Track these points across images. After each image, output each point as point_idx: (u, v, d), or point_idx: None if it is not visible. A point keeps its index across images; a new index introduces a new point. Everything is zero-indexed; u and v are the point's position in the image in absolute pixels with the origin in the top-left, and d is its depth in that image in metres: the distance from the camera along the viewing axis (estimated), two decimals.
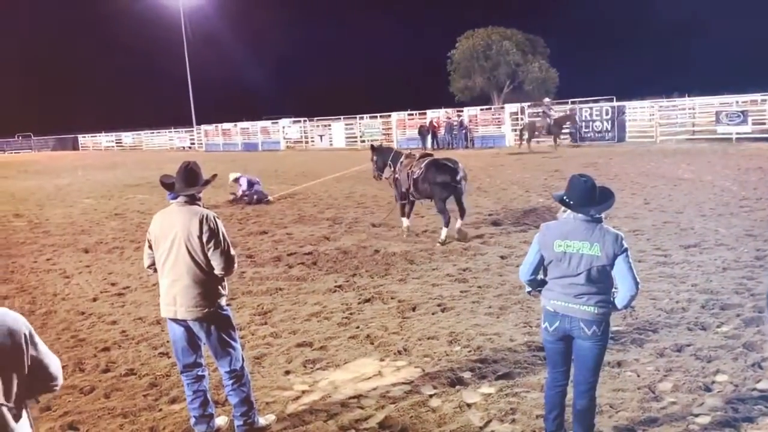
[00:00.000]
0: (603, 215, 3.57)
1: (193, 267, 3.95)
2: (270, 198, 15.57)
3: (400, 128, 37.05)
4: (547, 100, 29.37)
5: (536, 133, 27.48)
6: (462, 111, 36.35)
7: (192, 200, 4.06)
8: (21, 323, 2.13)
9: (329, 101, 67.89)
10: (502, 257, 8.64)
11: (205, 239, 3.92)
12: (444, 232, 9.70)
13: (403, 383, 4.85)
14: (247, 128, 45.24)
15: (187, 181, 4.07)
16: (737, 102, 28.64)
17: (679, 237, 9.17)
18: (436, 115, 35.50)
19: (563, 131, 28.13)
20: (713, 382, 4.56)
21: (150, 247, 4.13)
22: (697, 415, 4.11)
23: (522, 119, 32.06)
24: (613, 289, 3.54)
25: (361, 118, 40.01)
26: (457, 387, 4.72)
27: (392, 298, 7.02)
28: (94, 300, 7.75)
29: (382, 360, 5.34)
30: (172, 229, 3.97)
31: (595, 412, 3.78)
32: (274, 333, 6.15)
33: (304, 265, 8.80)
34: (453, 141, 33.25)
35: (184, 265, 3.95)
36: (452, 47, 60.44)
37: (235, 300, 7.18)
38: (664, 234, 9.42)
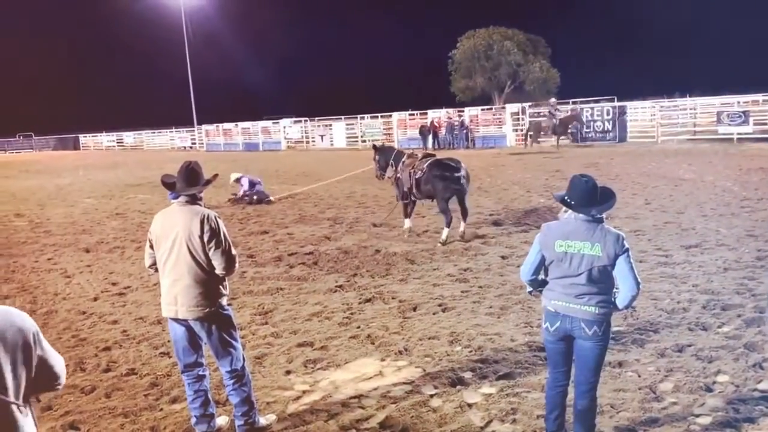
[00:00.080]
0: (604, 215, 3.57)
1: (194, 267, 3.95)
2: (271, 198, 15.57)
3: (401, 128, 37.05)
4: (552, 100, 29.33)
5: (542, 132, 27.43)
6: (463, 111, 36.36)
7: (193, 200, 4.06)
8: (29, 322, 2.14)
9: (330, 101, 68.01)
10: (503, 257, 8.63)
11: (206, 239, 3.92)
12: (445, 232, 9.70)
13: (404, 383, 4.85)
14: (248, 128, 45.26)
15: (188, 181, 4.07)
16: (739, 102, 28.64)
17: (681, 237, 9.16)
18: (437, 115, 35.49)
19: (569, 131, 28.06)
20: (714, 383, 4.55)
21: (151, 246, 4.13)
22: (698, 416, 4.11)
23: (523, 119, 32.07)
24: (614, 290, 3.54)
25: (362, 118, 40.02)
26: (458, 387, 4.72)
27: (393, 298, 7.02)
28: (95, 299, 7.75)
29: (382, 360, 5.34)
30: (173, 228, 3.97)
31: (596, 412, 3.78)
32: (275, 333, 6.16)
33: (305, 265, 8.81)
34: (454, 141, 33.25)
35: (185, 264, 3.95)
36: (453, 47, 60.51)
37: (236, 300, 7.19)
38: (665, 234, 9.41)
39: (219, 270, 3.99)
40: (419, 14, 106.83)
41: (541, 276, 3.71)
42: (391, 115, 38.03)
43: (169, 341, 5.21)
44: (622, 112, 28.29)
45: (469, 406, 4.42)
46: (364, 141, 37.46)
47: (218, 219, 4.03)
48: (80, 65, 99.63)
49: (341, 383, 4.93)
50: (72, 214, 15.50)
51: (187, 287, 3.95)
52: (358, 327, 6.18)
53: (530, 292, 3.88)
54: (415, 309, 6.61)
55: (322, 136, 40.83)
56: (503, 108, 35.99)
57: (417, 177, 9.92)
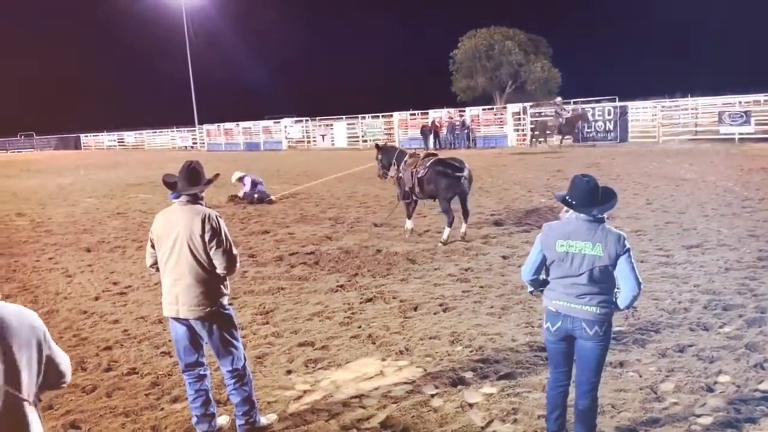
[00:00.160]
0: (605, 215, 3.57)
1: (195, 266, 3.95)
2: (272, 197, 15.57)
3: (402, 128, 37.06)
4: (558, 99, 29.19)
5: (548, 132, 27.35)
6: (464, 111, 36.35)
7: (194, 199, 4.06)
8: (39, 321, 2.17)
9: (331, 101, 67.95)
10: (504, 257, 8.63)
11: (207, 238, 3.92)
12: (447, 231, 9.69)
13: (405, 383, 4.85)
14: (249, 128, 45.30)
15: (189, 181, 4.08)
16: (740, 102, 28.57)
17: (682, 237, 9.16)
18: (438, 115, 35.50)
19: (575, 131, 27.96)
20: (715, 383, 4.55)
21: (152, 246, 4.13)
22: (699, 416, 4.10)
23: (524, 119, 32.06)
24: (616, 290, 3.53)
25: (363, 117, 40.02)
26: (459, 387, 4.72)
27: (394, 298, 7.02)
28: (96, 299, 7.76)
29: (383, 360, 5.34)
30: (174, 228, 3.98)
31: (597, 412, 3.77)
32: (276, 332, 6.16)
33: (306, 265, 8.81)
34: (455, 141, 33.25)
35: (186, 264, 3.95)
36: (455, 47, 60.48)
37: (237, 299, 7.19)
38: (667, 234, 9.41)
39: (220, 269, 3.99)
40: (420, 14, 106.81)
41: (543, 276, 3.71)
42: (392, 115, 38.04)
43: (170, 340, 5.21)
44: (624, 112, 28.28)
45: (470, 406, 4.42)
46: (365, 141, 37.49)
47: (219, 218, 4.04)
48: (81, 65, 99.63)
49: (342, 383, 4.93)
50: (73, 213, 15.52)
51: (189, 287, 3.95)
52: (359, 327, 6.18)
53: (531, 292, 3.87)
54: (416, 309, 6.61)
55: (323, 136, 40.85)
56: (504, 108, 36.01)
57: (419, 176, 9.91)
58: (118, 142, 58.89)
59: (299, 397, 4.73)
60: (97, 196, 19.24)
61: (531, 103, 35.05)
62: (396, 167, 10.52)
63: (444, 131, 33.71)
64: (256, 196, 15.35)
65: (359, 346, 5.67)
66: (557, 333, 3.62)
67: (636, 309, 5.97)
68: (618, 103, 30.28)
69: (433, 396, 4.60)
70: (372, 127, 38.80)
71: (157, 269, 4.16)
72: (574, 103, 35.77)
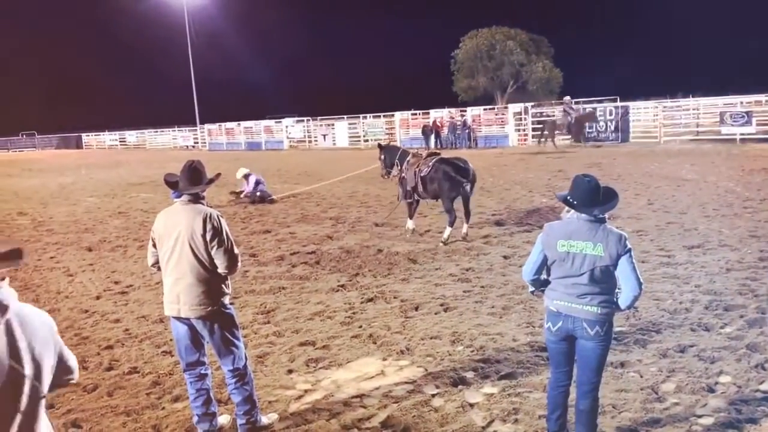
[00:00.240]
0: (606, 215, 3.57)
1: (196, 265, 3.95)
2: (273, 197, 15.58)
3: (403, 128, 37.06)
4: (567, 98, 29.05)
5: (556, 131, 27.25)
6: (465, 111, 36.33)
7: (196, 199, 4.07)
8: (51, 319, 2.21)
9: (333, 101, 68.01)
10: (505, 257, 8.63)
11: (208, 238, 3.93)
12: (448, 231, 9.69)
13: (406, 383, 4.85)
14: (251, 127, 45.31)
15: (191, 180, 4.08)
16: (742, 102, 28.56)
17: (683, 238, 9.15)
18: (440, 115, 35.50)
19: (584, 130, 27.82)
20: (716, 383, 4.55)
21: (154, 245, 4.14)
22: (700, 416, 4.10)
23: (525, 119, 32.04)
24: (617, 290, 3.53)
25: (365, 117, 40.03)
26: (460, 387, 4.72)
27: (395, 298, 7.02)
28: (98, 298, 7.77)
29: (384, 359, 5.34)
30: (175, 227, 3.98)
31: (598, 412, 3.77)
32: (277, 332, 6.16)
33: (307, 265, 8.81)
34: (456, 141, 33.24)
35: (187, 263, 3.96)
36: (456, 47, 60.49)
37: (239, 299, 7.19)
38: (668, 234, 9.40)
39: (221, 269, 4.00)
40: (422, 14, 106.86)
41: (544, 276, 3.71)
42: (393, 115, 38.04)
43: (171, 340, 5.21)
44: (625, 112, 28.25)
45: (471, 405, 4.42)
46: (367, 141, 37.49)
47: (221, 218, 4.04)
48: (83, 64, 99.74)
49: (343, 382, 4.93)
50: (74, 212, 15.53)
51: (190, 286, 3.96)
52: (360, 326, 6.18)
53: (532, 292, 3.87)
54: (417, 309, 6.62)
55: (324, 136, 40.85)
56: (506, 108, 35.98)
57: (423, 175, 9.89)
58: (120, 141, 58.92)
59: (300, 397, 4.73)
60: (98, 195, 19.26)
61: (532, 103, 35.07)
62: (399, 167, 10.52)
63: (445, 131, 33.71)
64: (258, 194, 15.36)
65: (360, 346, 5.68)
66: (558, 333, 3.62)
67: (637, 309, 5.97)
68: (620, 104, 30.28)
69: (434, 396, 4.60)
70: (373, 126, 38.80)
71: (159, 268, 4.16)
72: (576, 103, 35.77)
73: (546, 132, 27.19)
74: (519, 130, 32.43)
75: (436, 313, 6.43)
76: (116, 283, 8.46)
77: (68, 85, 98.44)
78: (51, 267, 9.60)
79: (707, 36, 70.66)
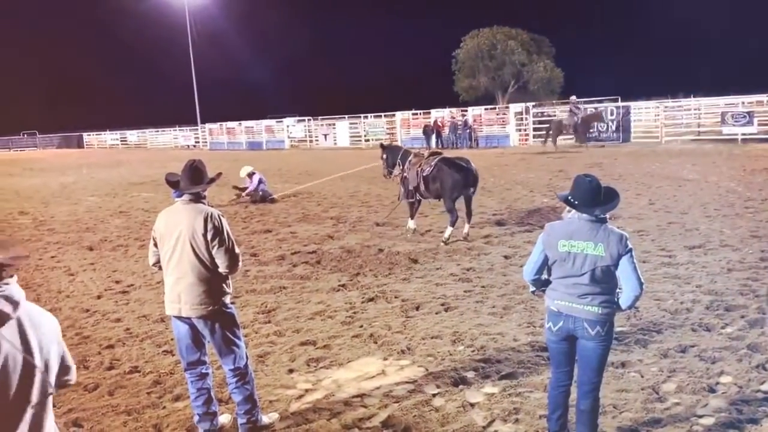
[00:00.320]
0: (608, 215, 3.57)
1: (197, 265, 3.96)
2: (274, 196, 15.59)
3: (404, 128, 37.06)
4: (573, 98, 28.94)
5: (563, 131, 27.15)
6: (466, 110, 36.32)
7: (197, 198, 4.07)
8: (56, 320, 2.24)
9: (334, 100, 68.00)
10: (506, 257, 8.63)
11: (209, 237, 3.93)
12: (449, 231, 9.69)
13: (407, 382, 4.85)
14: (252, 127, 45.33)
15: (192, 180, 4.09)
16: (743, 103, 28.56)
17: (684, 238, 9.14)
18: (441, 115, 35.49)
19: (590, 130, 27.71)
20: (717, 384, 4.55)
21: (155, 244, 4.14)
22: (701, 417, 4.10)
23: (526, 119, 32.02)
24: (618, 290, 3.53)
25: (366, 117, 40.02)
26: (461, 386, 4.72)
27: (396, 298, 7.03)
28: (99, 297, 7.77)
29: (385, 359, 5.34)
30: (176, 227, 3.98)
31: (599, 412, 3.77)
32: (278, 331, 6.16)
33: (308, 264, 8.81)
34: (457, 140, 33.24)
35: (188, 263, 3.96)
36: (457, 46, 60.49)
37: (239, 298, 7.20)
38: (669, 235, 9.40)
39: (222, 268, 4.00)
40: (423, 13, 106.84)
41: (544, 276, 3.71)
42: (394, 115, 38.04)
43: (172, 339, 5.22)
44: (627, 112, 28.23)
45: (472, 405, 4.42)
46: (368, 140, 37.51)
47: (222, 217, 4.04)
48: (84, 64, 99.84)
49: (344, 382, 4.93)
50: (76, 212, 15.54)
51: (191, 285, 3.96)
52: (361, 326, 6.18)
53: (533, 292, 3.87)
54: (417, 308, 6.61)
55: (325, 135, 40.87)
56: (507, 108, 35.95)
57: (425, 175, 9.89)
58: (121, 140, 58.97)
59: (301, 396, 4.74)
60: (99, 194, 19.28)
61: (533, 103, 35.02)
62: (401, 167, 10.52)
63: (446, 131, 33.71)
64: (260, 193, 15.37)
65: (361, 346, 5.68)
66: (559, 333, 3.62)
67: (638, 309, 5.97)
68: (621, 103, 30.26)
69: (434, 395, 4.60)
70: (374, 126, 38.79)
71: (160, 268, 4.17)
72: (570, 103, 35.73)
73: (551, 132, 27.07)
74: (520, 130, 32.42)
75: (437, 313, 6.43)
76: (117, 282, 8.46)
77: (69, 85, 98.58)
78: (52, 266, 9.61)
79: (708, 36, 70.64)
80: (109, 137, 61.01)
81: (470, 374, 4.92)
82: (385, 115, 39.27)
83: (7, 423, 1.89)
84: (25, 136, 67.32)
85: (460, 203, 9.88)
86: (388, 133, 37.01)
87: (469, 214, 9.95)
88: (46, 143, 65.76)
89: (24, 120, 71.16)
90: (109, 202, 17.33)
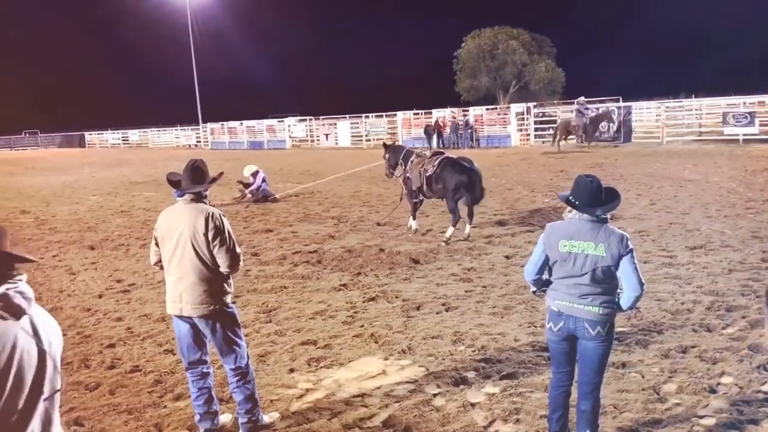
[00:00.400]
0: (608, 216, 3.57)
1: (198, 264, 3.96)
2: (276, 196, 15.60)
3: (405, 127, 37.03)
4: (582, 98, 28.84)
5: (571, 132, 27.04)
6: (467, 110, 36.30)
7: (198, 198, 4.08)
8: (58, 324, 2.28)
9: (335, 100, 68.04)
10: (507, 257, 8.63)
11: (210, 237, 3.94)
12: (450, 231, 9.69)
13: (407, 382, 4.85)
14: (253, 126, 45.32)
15: (193, 179, 4.09)
16: (744, 103, 28.48)
17: (685, 238, 9.14)
18: (442, 115, 35.46)
19: (598, 130, 27.61)
20: (718, 384, 4.55)
21: (156, 244, 4.15)
22: (701, 417, 4.10)
23: (527, 119, 31.99)
24: (618, 290, 3.53)
25: (367, 117, 40.00)
26: (461, 386, 4.72)
27: (397, 297, 7.03)
28: (100, 297, 7.78)
29: (386, 359, 5.35)
30: (178, 226, 3.99)
31: (599, 412, 3.78)
32: (279, 331, 6.17)
33: (309, 264, 8.82)
34: (458, 140, 33.21)
35: (189, 262, 3.96)
36: (458, 46, 60.48)
37: (240, 298, 7.20)
38: (670, 235, 9.39)
39: (223, 268, 4.01)
40: (424, 13, 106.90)
41: (545, 276, 3.71)
42: (395, 115, 38.01)
43: (173, 338, 5.22)
44: (628, 112, 28.19)
45: (472, 405, 4.42)
46: (369, 140, 37.49)
47: (223, 217, 4.05)
48: (86, 63, 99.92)
49: (344, 382, 4.93)
50: (77, 211, 15.56)
51: (192, 285, 3.97)
52: (362, 326, 6.18)
53: (534, 292, 3.88)
54: (418, 308, 6.62)
55: (326, 135, 40.86)
56: (508, 108, 35.92)
57: (428, 175, 9.89)
58: (123, 140, 58.97)
59: (302, 396, 4.74)
60: (101, 194, 19.29)
61: (534, 103, 34.98)
62: (403, 167, 10.53)
63: (447, 131, 33.68)
64: (262, 193, 15.38)
65: (362, 345, 5.68)
66: (560, 333, 3.62)
67: (639, 310, 5.97)
68: (622, 104, 30.21)
69: (435, 395, 4.61)
70: (375, 126, 38.77)
71: (161, 267, 4.17)
72: (578, 103, 35.69)
73: (558, 132, 26.95)
74: (521, 130, 32.39)
75: (437, 313, 6.44)
76: (118, 281, 8.47)
77: (71, 84, 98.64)
78: (54, 265, 9.62)
79: (710, 36, 70.57)
80: (111, 136, 61.01)
81: (471, 374, 4.92)
82: (386, 115, 39.23)
83: (23, 416, 1.93)
84: (27, 135, 67.34)
85: (460, 203, 9.89)
86: (389, 133, 36.97)
87: (470, 215, 9.95)
88: (48, 142, 65.78)
89: (26, 119, 71.29)
90: (111, 201, 17.34)
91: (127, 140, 58.40)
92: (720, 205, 11.58)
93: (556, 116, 31.07)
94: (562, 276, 3.56)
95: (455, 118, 34.59)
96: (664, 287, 6.83)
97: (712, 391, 4.45)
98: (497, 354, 5.28)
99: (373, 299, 7.03)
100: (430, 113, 36.41)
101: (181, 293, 3.99)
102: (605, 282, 3.47)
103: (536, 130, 31.56)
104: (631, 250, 3.44)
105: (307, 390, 4.84)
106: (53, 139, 66.31)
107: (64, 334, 2.29)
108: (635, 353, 5.15)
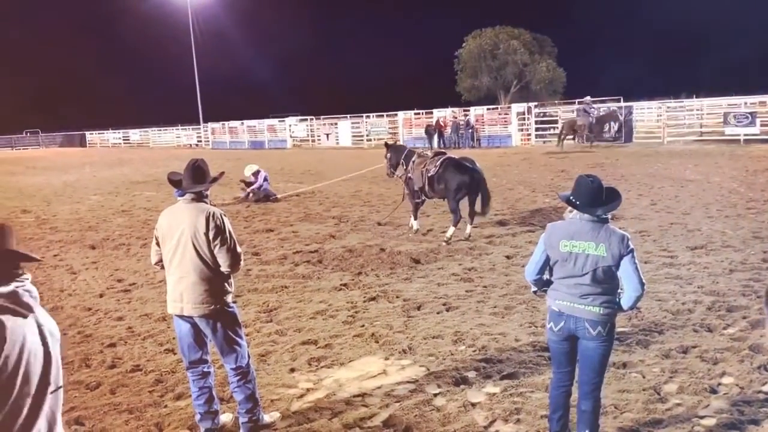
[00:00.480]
0: (609, 216, 3.57)
1: (199, 264, 3.97)
2: (276, 196, 15.61)
3: (406, 127, 37.03)
4: (588, 98, 28.75)
5: (577, 132, 26.96)
6: (468, 110, 36.29)
7: (199, 197, 4.08)
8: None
9: (336, 100, 68.03)
10: (507, 257, 8.63)
11: (211, 236, 3.94)
12: (451, 230, 9.69)
13: (408, 382, 4.86)
14: (254, 126, 45.33)
15: (194, 179, 4.09)
16: (745, 103, 28.45)
17: (686, 238, 9.14)
18: (443, 115, 35.46)
19: (605, 130, 27.57)
20: (719, 384, 4.55)
21: (157, 243, 4.15)
22: (702, 417, 4.10)
23: (528, 119, 31.97)
24: (619, 290, 3.53)
25: (368, 116, 40.00)
26: (462, 386, 4.73)
27: (397, 297, 7.03)
28: (101, 296, 7.79)
29: (386, 359, 5.35)
30: (179, 226, 3.99)
31: (600, 412, 3.78)
32: (280, 331, 6.17)
33: (310, 263, 8.82)
34: (459, 140, 33.21)
35: (190, 262, 3.97)
36: (459, 46, 60.44)
37: (241, 297, 7.21)
38: (671, 235, 9.39)
39: (224, 267, 4.01)
40: (425, 13, 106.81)
41: (546, 276, 3.71)
42: (396, 114, 38.01)
43: (174, 338, 5.22)
44: (629, 112, 28.18)
45: (473, 405, 4.42)
46: (370, 140, 37.51)
47: (224, 216, 4.05)
48: (87, 63, 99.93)
49: (345, 381, 4.94)
50: (78, 210, 15.57)
51: (193, 284, 3.97)
52: (363, 325, 6.19)
53: (535, 292, 3.88)
54: (419, 308, 6.62)
55: (327, 135, 40.86)
56: (509, 107, 35.91)
57: (430, 175, 9.89)
58: (123, 139, 58.99)
59: (302, 395, 4.74)
60: (102, 193, 19.30)
61: (535, 103, 34.97)
62: (404, 167, 10.53)
63: (448, 131, 33.67)
64: (263, 192, 15.38)
65: (362, 345, 5.68)
66: (560, 333, 3.62)
67: (639, 310, 5.97)
68: (623, 104, 30.20)
69: (435, 395, 4.61)
70: (376, 126, 38.77)
71: (162, 267, 4.18)
72: (579, 103, 35.68)
73: (563, 132, 26.87)
74: (522, 130, 32.38)
75: (438, 313, 6.44)
76: (119, 281, 8.48)
77: (72, 84, 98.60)
78: (54, 265, 9.63)
79: (710, 36, 70.51)
80: (112, 136, 61.03)
81: (471, 374, 4.92)
82: (387, 115, 39.23)
83: (31, 411, 1.96)
84: (28, 134, 67.38)
85: (462, 203, 9.89)
86: (390, 133, 36.97)
87: (471, 215, 9.95)
88: (49, 142, 65.81)
89: (27, 119, 71.29)
90: (112, 200, 17.35)
91: (128, 140, 58.41)
92: (721, 206, 11.58)
93: (557, 116, 31.05)
94: (563, 276, 3.56)
95: (456, 118, 34.59)
96: (665, 287, 6.83)
97: (713, 391, 4.45)
98: (498, 354, 5.28)
99: (373, 299, 7.03)
100: (431, 113, 36.40)
101: (181, 293, 4.00)
102: (606, 282, 3.47)
103: (537, 130, 31.55)
104: (631, 250, 3.44)
105: (308, 390, 4.84)
106: (54, 138, 66.34)
107: (65, 334, 2.31)
108: (636, 353, 5.15)
